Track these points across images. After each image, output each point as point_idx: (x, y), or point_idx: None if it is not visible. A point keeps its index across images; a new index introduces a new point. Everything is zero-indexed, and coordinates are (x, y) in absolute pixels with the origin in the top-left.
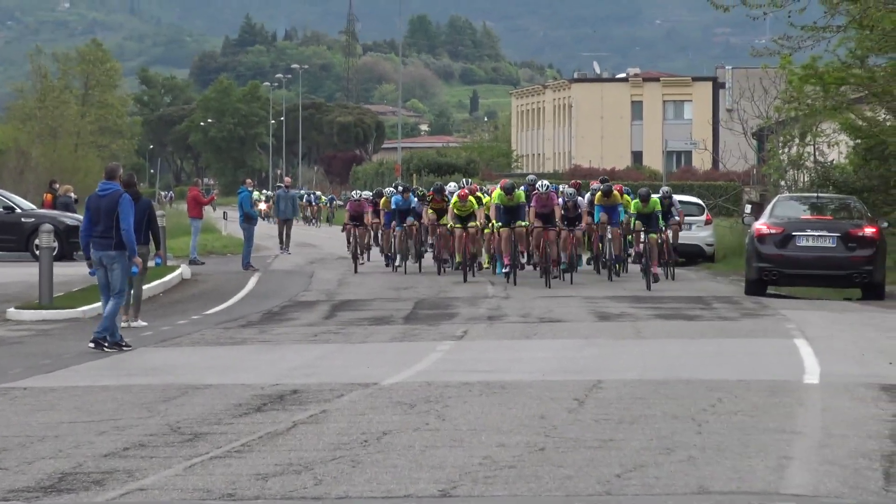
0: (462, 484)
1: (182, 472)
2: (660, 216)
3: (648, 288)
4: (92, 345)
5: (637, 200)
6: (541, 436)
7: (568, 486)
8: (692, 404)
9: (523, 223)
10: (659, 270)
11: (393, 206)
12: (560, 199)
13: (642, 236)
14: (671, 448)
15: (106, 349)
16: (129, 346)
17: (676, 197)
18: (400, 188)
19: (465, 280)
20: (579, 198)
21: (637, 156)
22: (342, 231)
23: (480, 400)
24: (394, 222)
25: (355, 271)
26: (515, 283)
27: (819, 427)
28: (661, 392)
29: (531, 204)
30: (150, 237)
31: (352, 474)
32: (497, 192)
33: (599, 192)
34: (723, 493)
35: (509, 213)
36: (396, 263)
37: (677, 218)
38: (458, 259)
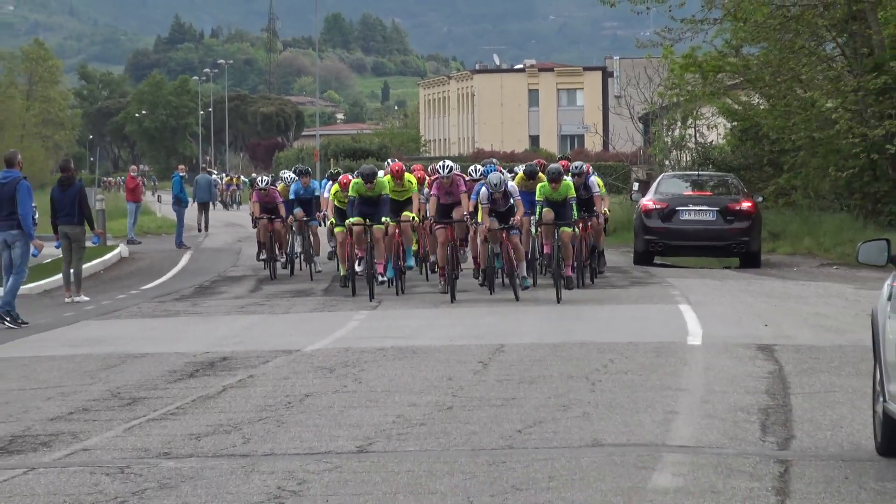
0: (377, 440)
1: (122, 433)
2: (574, 204)
3: (558, 300)
4: None
5: (544, 183)
6: (448, 396)
7: (474, 441)
8: (586, 365)
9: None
10: (572, 274)
11: (292, 196)
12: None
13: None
14: (567, 405)
15: (7, 323)
16: (26, 323)
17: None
18: (298, 171)
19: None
20: (510, 183)
21: (534, 139)
22: (253, 227)
23: (394, 364)
24: (291, 216)
25: (272, 277)
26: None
27: (702, 384)
28: (558, 354)
29: (432, 192)
30: (84, 219)
31: (277, 433)
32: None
33: (520, 175)
34: (614, 446)
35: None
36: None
37: (604, 208)
38: (343, 271)
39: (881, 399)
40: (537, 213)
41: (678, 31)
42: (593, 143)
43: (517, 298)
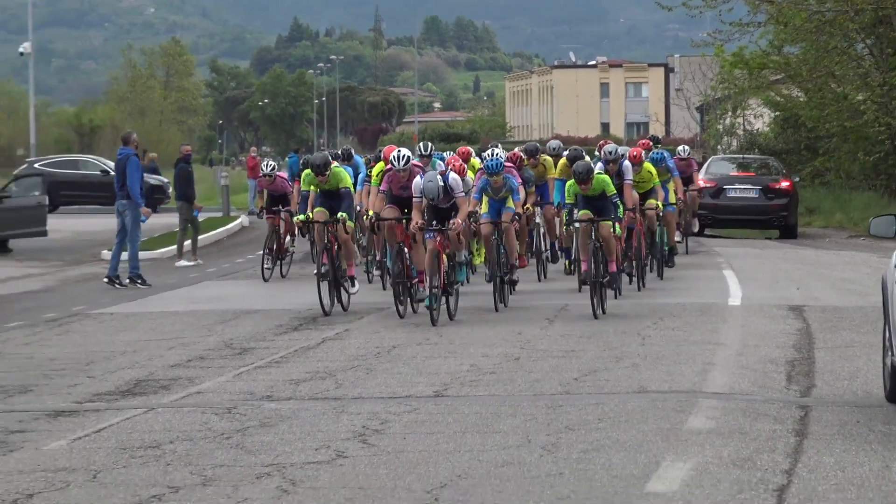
0: (452, 386)
1: (231, 378)
2: (618, 202)
3: (595, 313)
4: (106, 280)
5: (572, 182)
6: (517, 348)
7: (535, 387)
8: (638, 323)
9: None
10: (615, 271)
11: None
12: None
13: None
14: (619, 357)
15: (138, 285)
16: (149, 285)
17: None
18: (343, 154)
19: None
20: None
21: (605, 126)
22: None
23: (471, 319)
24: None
25: (264, 278)
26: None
27: (737, 340)
28: (614, 313)
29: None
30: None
31: (366, 379)
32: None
33: (562, 161)
34: (658, 392)
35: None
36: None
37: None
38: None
39: (889, 353)
40: (564, 216)
41: (727, 33)
42: (656, 130)
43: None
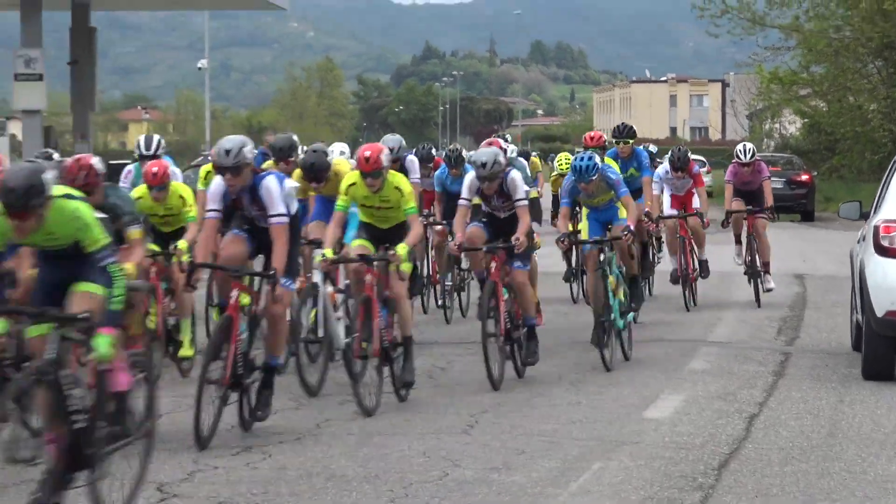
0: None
1: None
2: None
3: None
4: None
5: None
6: (567, 305)
7: (574, 335)
8: (668, 287)
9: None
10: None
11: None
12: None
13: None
14: (645, 312)
15: None
16: None
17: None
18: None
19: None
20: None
21: (673, 130)
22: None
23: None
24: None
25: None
26: None
27: (744, 300)
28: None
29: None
30: None
31: (442, 328)
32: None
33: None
34: (670, 341)
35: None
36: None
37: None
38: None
39: (854, 312)
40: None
41: (763, 55)
42: (714, 133)
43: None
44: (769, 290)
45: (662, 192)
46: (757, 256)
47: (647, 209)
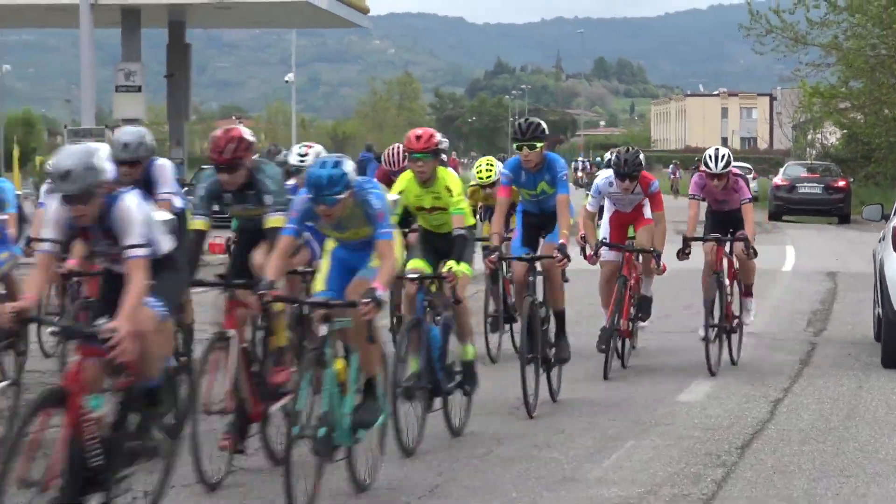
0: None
1: None
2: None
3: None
4: None
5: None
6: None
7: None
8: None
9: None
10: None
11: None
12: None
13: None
14: (688, 306)
15: None
16: None
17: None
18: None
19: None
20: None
21: (724, 140)
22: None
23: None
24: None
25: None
26: None
27: (778, 296)
28: (691, 275)
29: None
30: None
31: None
32: None
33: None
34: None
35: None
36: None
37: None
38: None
39: (877, 305)
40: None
41: (805, 71)
42: (762, 143)
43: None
44: (747, 324)
45: (599, 212)
46: (733, 309)
47: (580, 235)
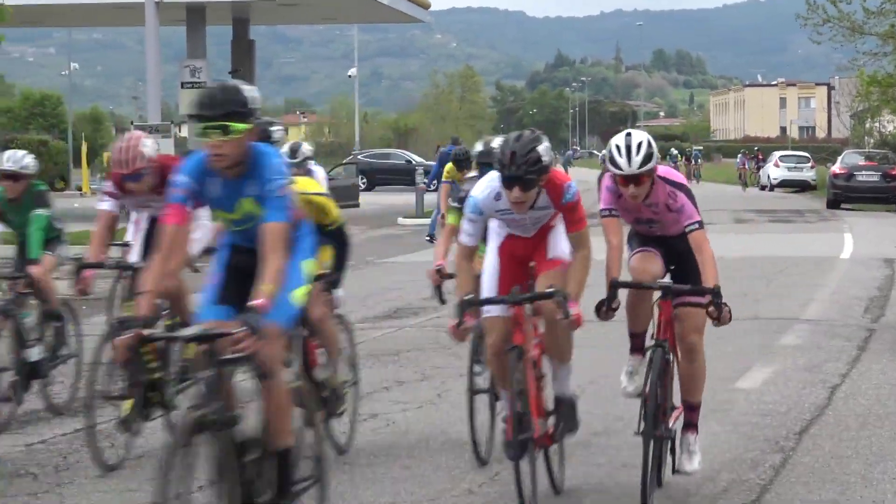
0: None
1: None
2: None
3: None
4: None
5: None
6: None
7: None
8: (768, 270)
9: None
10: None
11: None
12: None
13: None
14: (745, 293)
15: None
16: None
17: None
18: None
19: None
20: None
21: (783, 129)
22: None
23: None
24: None
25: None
26: None
27: (836, 282)
28: (748, 263)
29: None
30: None
31: None
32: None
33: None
34: (766, 319)
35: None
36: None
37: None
38: None
39: None
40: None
41: (863, 60)
42: (821, 132)
43: None
44: (688, 473)
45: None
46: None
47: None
